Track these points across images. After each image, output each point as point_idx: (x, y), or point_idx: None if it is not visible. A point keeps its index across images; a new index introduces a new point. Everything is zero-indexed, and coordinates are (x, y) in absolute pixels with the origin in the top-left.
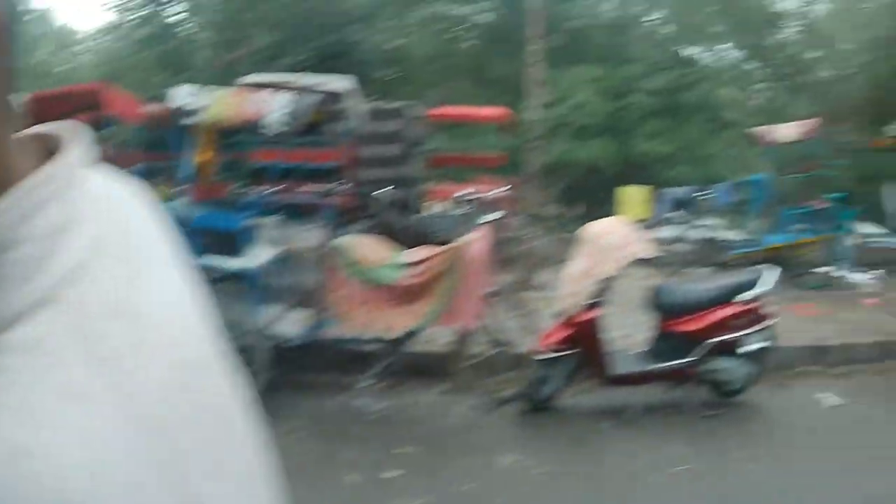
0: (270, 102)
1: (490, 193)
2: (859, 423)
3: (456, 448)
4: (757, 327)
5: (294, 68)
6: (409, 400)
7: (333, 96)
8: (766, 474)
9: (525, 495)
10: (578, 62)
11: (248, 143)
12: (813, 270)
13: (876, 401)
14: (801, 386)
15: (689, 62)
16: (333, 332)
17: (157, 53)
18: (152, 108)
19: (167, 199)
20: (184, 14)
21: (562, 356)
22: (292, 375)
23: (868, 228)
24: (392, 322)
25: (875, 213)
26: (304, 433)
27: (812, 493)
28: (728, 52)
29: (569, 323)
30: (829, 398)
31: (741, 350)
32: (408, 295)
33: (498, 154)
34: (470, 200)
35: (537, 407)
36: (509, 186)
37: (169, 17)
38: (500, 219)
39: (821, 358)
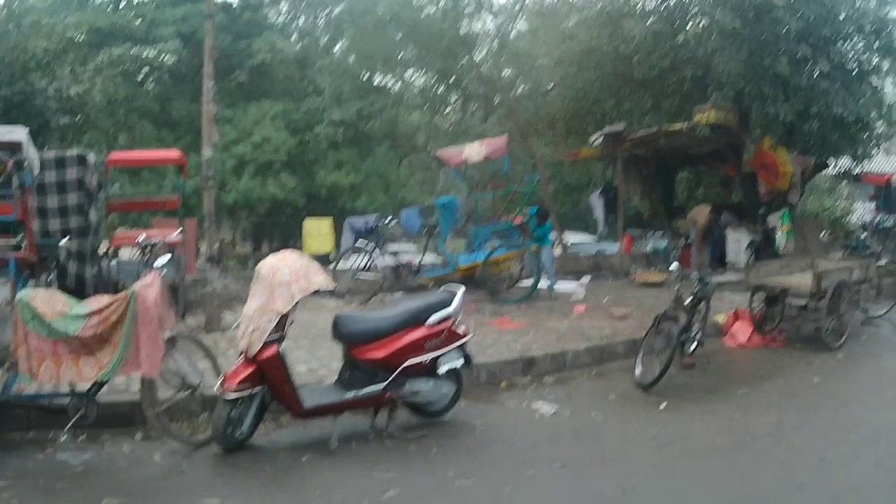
0: None
1: (167, 237)
2: (578, 428)
3: (160, 495)
4: (451, 346)
5: None
6: (109, 450)
7: (7, 147)
8: (484, 490)
9: None
10: (261, 98)
11: None
12: (516, 284)
13: (592, 404)
14: (513, 399)
15: (377, 90)
16: (28, 388)
17: None
18: None
19: None
20: None
21: (249, 394)
22: None
23: (574, 237)
24: (79, 374)
25: (581, 223)
26: (14, 490)
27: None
28: (417, 77)
29: (252, 360)
30: (544, 407)
31: (438, 370)
32: (90, 346)
33: (174, 197)
34: (150, 245)
35: (233, 447)
36: (181, 229)
37: None
38: (171, 261)
39: (530, 369)
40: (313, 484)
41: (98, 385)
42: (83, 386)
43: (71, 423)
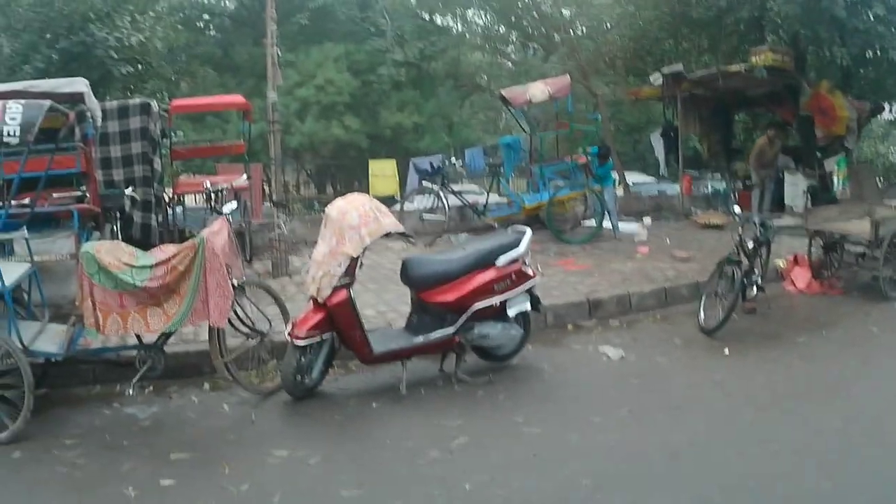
0: (2, 112)
1: (234, 182)
2: (644, 373)
3: (229, 447)
4: (519, 289)
5: (40, 74)
6: (177, 402)
7: (69, 98)
8: (552, 437)
9: (302, 488)
10: (323, 41)
11: None
12: (579, 225)
13: (657, 349)
14: (580, 342)
15: (438, 30)
16: (93, 342)
17: None
18: None
19: None
20: None
21: (319, 340)
22: (61, 391)
23: (635, 177)
24: (146, 325)
25: (639, 163)
26: (80, 448)
27: (606, 451)
28: (478, 16)
29: (321, 306)
30: (612, 351)
31: (504, 313)
32: (157, 296)
33: (240, 142)
34: (217, 191)
35: (302, 395)
36: (247, 175)
37: None
38: (238, 208)
39: (596, 311)
40: (383, 432)
41: (166, 336)
42: (150, 337)
43: (138, 376)
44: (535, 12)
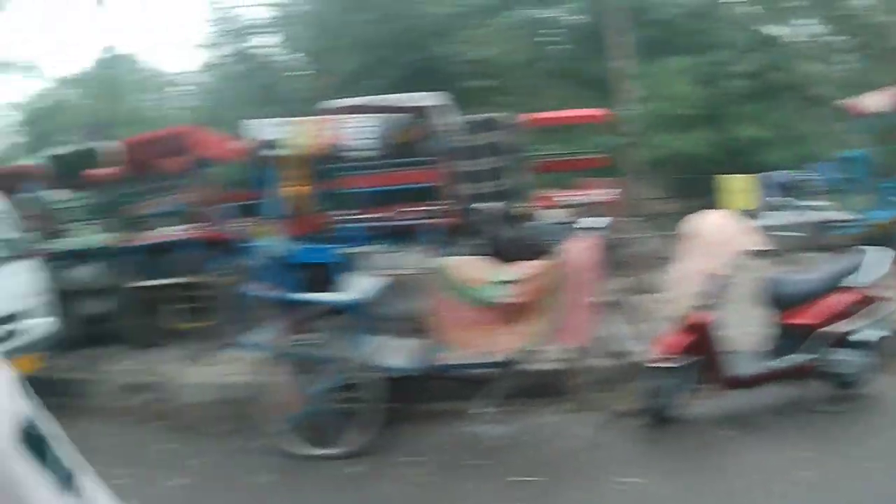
0: (355, 126)
1: (600, 196)
2: None
3: (569, 474)
4: (875, 312)
5: (384, 89)
6: (527, 423)
7: (422, 113)
8: (892, 477)
9: None
10: (667, 53)
11: (340, 170)
12: None
13: None
14: None
15: (772, 41)
16: (445, 358)
17: (249, 88)
18: (240, 145)
19: (262, 236)
20: (274, 47)
21: (679, 363)
22: (407, 406)
23: None
24: (501, 343)
25: None
26: (423, 466)
27: None
28: (809, 26)
29: (685, 327)
30: None
31: (858, 339)
32: (515, 313)
33: (602, 155)
34: (579, 205)
35: (658, 420)
36: (619, 188)
37: (259, 50)
38: (608, 223)
39: None
40: (731, 462)
41: (521, 354)
42: (503, 355)
43: (490, 395)
44: (871, 21)
